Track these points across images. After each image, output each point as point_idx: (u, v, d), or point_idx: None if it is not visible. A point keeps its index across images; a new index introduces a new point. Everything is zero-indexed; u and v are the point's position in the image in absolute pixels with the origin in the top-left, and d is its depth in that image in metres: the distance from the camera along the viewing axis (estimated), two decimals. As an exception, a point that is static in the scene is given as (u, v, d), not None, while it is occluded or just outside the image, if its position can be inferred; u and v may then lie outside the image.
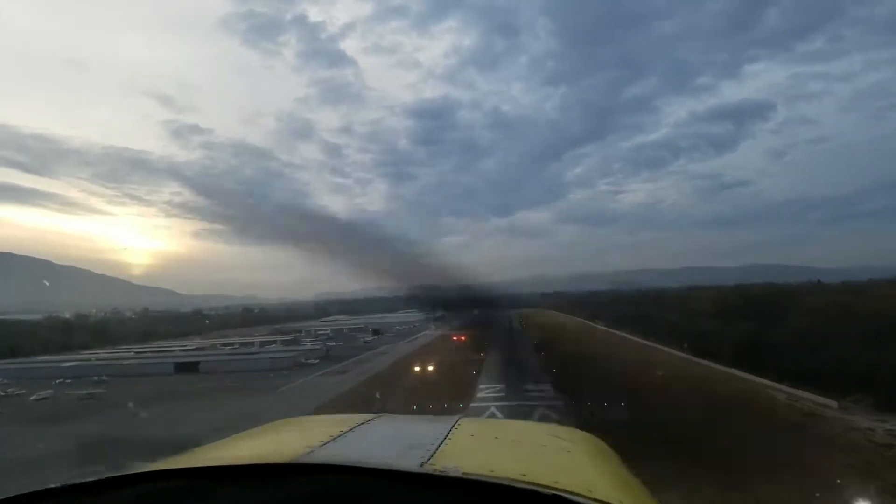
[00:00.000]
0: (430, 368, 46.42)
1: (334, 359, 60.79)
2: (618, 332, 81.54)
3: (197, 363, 57.49)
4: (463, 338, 75.02)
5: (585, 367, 43.75)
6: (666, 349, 56.92)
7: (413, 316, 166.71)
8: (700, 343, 53.02)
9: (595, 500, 1.56)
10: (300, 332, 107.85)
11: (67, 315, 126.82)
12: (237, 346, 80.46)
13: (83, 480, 1.50)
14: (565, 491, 1.52)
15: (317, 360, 57.84)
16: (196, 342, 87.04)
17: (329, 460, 1.70)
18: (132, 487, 1.57)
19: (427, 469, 1.60)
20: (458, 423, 2.37)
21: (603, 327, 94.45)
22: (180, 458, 1.95)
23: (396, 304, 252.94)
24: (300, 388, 41.81)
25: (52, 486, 1.51)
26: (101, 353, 71.32)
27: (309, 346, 72.90)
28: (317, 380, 46.31)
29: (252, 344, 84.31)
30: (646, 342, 65.10)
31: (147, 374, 54.18)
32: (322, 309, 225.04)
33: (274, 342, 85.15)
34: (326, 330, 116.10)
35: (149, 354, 66.70)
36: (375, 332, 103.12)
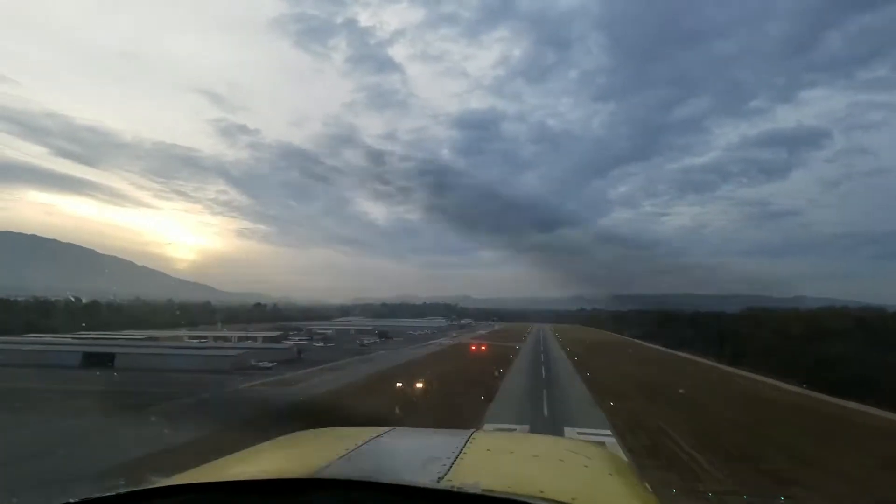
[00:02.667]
0: (410, 392, 30.05)
1: (299, 364, 45.93)
2: (683, 355, 63.41)
3: (112, 356, 44.32)
4: (483, 347, 64.79)
5: (661, 408, 26.89)
6: (774, 382, 38.86)
7: (436, 322, 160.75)
8: (822, 374, 35.48)
9: None
10: (300, 330, 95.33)
11: (54, 297, 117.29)
12: (204, 341, 67.29)
13: (102, 495, 1.49)
14: None
15: (271, 365, 42.58)
16: (158, 333, 73.40)
17: (347, 475, 1.66)
18: (151, 502, 1.58)
19: (445, 485, 1.57)
20: (473, 436, 2.31)
21: (661, 348, 76.32)
22: (198, 472, 1.93)
23: (426, 310, 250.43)
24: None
25: (71, 500, 1.50)
26: (29, 338, 57.46)
27: (279, 346, 57.60)
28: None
29: (228, 339, 73.56)
30: (735, 370, 46.99)
31: (45, 365, 42.49)
32: (345, 311, 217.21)
33: (255, 339, 70.99)
34: (330, 330, 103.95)
35: (73, 342, 52.49)
36: (382, 335, 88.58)
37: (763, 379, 41.65)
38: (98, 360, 43.41)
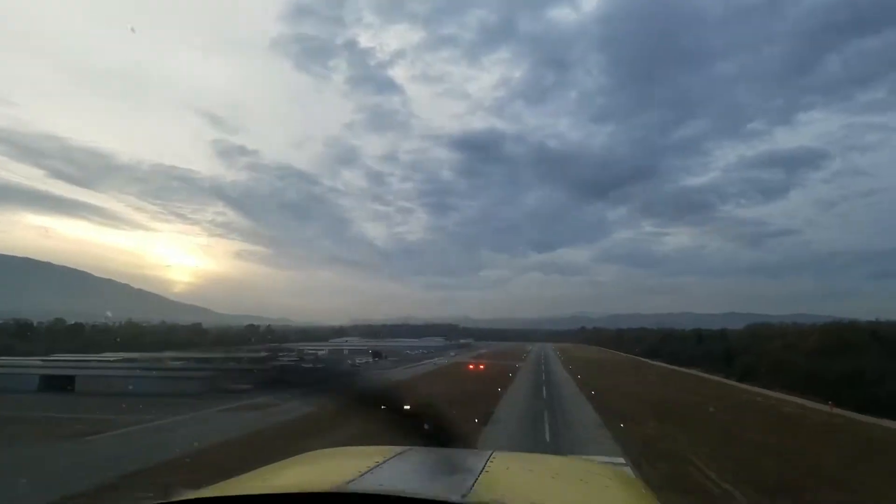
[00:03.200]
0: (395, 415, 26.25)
1: (279, 386, 41.28)
2: (690, 372, 60.08)
3: (72, 379, 41.54)
4: (481, 366, 61.84)
5: (679, 431, 23.79)
6: (795, 399, 35.62)
7: (435, 342, 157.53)
8: (847, 391, 32.52)
9: None
10: (291, 351, 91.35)
11: (37, 320, 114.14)
12: (184, 362, 63.25)
13: None
14: None
15: (246, 387, 38.81)
16: (136, 355, 69.49)
17: (372, 490, 1.66)
18: None
19: (468, 501, 1.56)
20: (493, 456, 2.34)
21: (666, 365, 73.01)
22: (220, 487, 1.90)
23: (426, 331, 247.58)
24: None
25: None
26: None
27: (260, 367, 53.90)
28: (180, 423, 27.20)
29: (211, 360, 68.77)
30: (749, 387, 43.76)
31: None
32: (340, 332, 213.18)
33: (240, 360, 67.05)
34: (323, 351, 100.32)
35: (34, 365, 48.80)
36: (376, 355, 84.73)
37: (781, 396, 38.28)
38: (56, 384, 39.99)
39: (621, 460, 17.55)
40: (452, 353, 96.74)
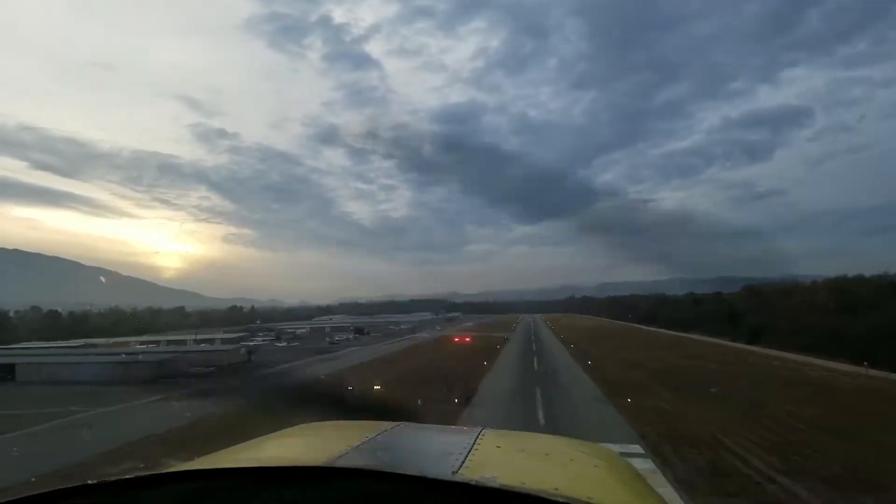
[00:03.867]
0: (369, 396, 22.86)
1: (244, 368, 37.72)
2: (693, 336, 56.56)
3: (12, 368, 37.59)
4: (467, 339, 57.86)
5: (699, 405, 19.93)
6: (821, 362, 31.88)
7: (422, 317, 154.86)
8: (880, 350, 28.84)
9: None
10: (271, 331, 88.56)
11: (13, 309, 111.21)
12: (153, 346, 60.49)
13: (119, 478, 1.50)
14: None
15: (208, 370, 35.13)
16: (103, 340, 65.59)
17: (364, 465, 1.65)
18: (169, 486, 1.57)
19: (460, 478, 1.57)
20: (483, 433, 2.32)
21: (664, 331, 69.78)
22: (210, 459, 1.94)
23: (413, 307, 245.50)
24: None
25: (90, 482, 1.51)
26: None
27: (227, 348, 50.25)
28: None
29: (184, 342, 66.62)
30: (764, 350, 40.19)
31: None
32: (326, 310, 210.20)
33: (213, 342, 64.04)
34: (305, 329, 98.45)
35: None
36: (358, 331, 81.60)
37: (801, 358, 34.55)
38: (-7, 373, 35.65)
39: (636, 447, 13.49)
40: (438, 328, 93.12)
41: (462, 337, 59.74)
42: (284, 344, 63.13)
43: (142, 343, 64.26)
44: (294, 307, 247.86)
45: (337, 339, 67.76)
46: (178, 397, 27.11)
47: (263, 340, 67.28)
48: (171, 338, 71.52)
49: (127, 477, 1.47)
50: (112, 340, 65.05)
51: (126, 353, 43.77)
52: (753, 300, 73.38)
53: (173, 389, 29.75)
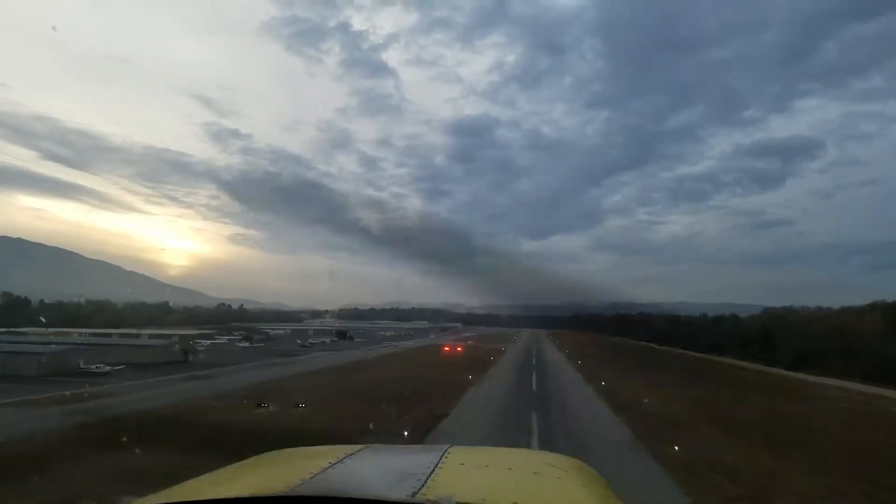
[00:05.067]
0: (292, 415, 15.05)
1: (171, 368, 30.55)
2: (724, 360, 48.18)
3: None
4: (459, 349, 51.26)
5: (796, 464, 11.76)
6: None
7: (418, 325, 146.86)
8: None
9: None
10: (243, 331, 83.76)
11: None
12: (96, 338, 53.45)
13: None
14: None
15: (108, 369, 27.98)
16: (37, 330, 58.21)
17: (322, 492, 1.65)
18: None
19: (419, 499, 1.57)
20: (448, 451, 2.31)
21: (688, 352, 61.52)
22: (170, 493, 1.87)
23: (414, 315, 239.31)
24: None
25: None
26: None
27: (155, 344, 43.26)
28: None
29: (136, 336, 61.44)
30: (823, 380, 32.26)
31: None
32: (318, 314, 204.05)
33: (169, 337, 57.80)
34: (284, 331, 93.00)
35: None
36: (340, 335, 75.46)
37: (871, 389, 26.45)
38: None
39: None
40: (432, 336, 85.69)
41: (454, 346, 52.51)
42: (247, 345, 56.16)
43: (83, 335, 57.17)
44: (295, 310, 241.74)
45: (311, 342, 60.85)
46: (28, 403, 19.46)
47: (229, 339, 60.28)
48: (122, 331, 64.66)
49: None
50: (51, 330, 57.74)
51: (35, 344, 36.18)
52: (774, 324, 65.22)
53: (42, 390, 22.06)
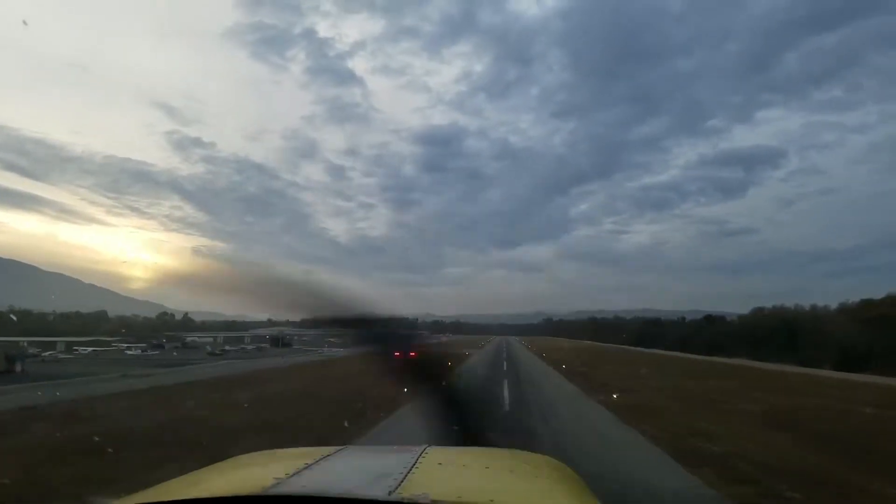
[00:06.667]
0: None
1: None
2: (737, 362, 39.07)
3: None
4: (412, 354, 39.89)
5: None
6: None
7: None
8: None
9: None
10: (168, 339, 77.88)
11: None
12: None
13: None
14: None
15: None
16: None
17: (297, 492, 1.63)
18: None
19: (395, 497, 1.56)
20: (426, 451, 2.30)
21: (681, 354, 52.35)
22: (143, 495, 1.81)
23: (377, 324, 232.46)
24: None
25: None
26: None
27: None
28: None
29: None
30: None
31: None
32: (271, 323, 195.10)
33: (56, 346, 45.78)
34: (212, 339, 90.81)
35: None
36: (275, 342, 70.60)
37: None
38: None
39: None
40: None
41: (405, 352, 42.91)
42: (138, 353, 46.55)
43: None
44: (256, 321, 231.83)
45: (227, 348, 51.13)
46: None
47: (140, 348, 51.67)
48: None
49: None
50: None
51: None
52: (776, 323, 57.67)
53: None
